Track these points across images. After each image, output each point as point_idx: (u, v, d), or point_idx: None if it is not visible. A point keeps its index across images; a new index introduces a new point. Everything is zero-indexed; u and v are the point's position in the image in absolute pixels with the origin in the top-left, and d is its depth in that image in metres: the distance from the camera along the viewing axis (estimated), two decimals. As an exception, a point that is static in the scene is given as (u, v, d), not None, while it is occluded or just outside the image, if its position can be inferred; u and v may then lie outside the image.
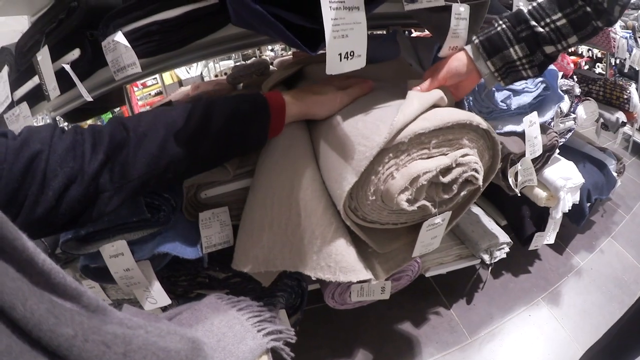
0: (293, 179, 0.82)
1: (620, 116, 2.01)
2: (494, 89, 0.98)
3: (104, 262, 0.84)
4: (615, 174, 1.92)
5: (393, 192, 0.72)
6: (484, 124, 0.77)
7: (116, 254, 0.84)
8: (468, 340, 1.42)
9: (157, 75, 3.56)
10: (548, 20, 0.76)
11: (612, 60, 3.11)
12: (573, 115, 1.54)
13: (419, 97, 0.77)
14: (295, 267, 0.82)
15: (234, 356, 0.63)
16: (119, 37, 0.77)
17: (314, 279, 0.82)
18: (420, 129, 0.69)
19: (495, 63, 0.80)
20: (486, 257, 1.34)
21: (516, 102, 1.04)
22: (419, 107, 0.73)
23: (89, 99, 0.89)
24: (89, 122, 2.99)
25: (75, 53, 0.89)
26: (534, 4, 0.78)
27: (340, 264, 0.78)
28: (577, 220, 1.75)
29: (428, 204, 0.77)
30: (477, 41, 0.81)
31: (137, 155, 0.63)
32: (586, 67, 3.51)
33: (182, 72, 3.81)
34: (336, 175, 0.76)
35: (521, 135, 1.06)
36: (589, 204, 1.73)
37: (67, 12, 0.88)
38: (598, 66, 3.47)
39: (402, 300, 1.48)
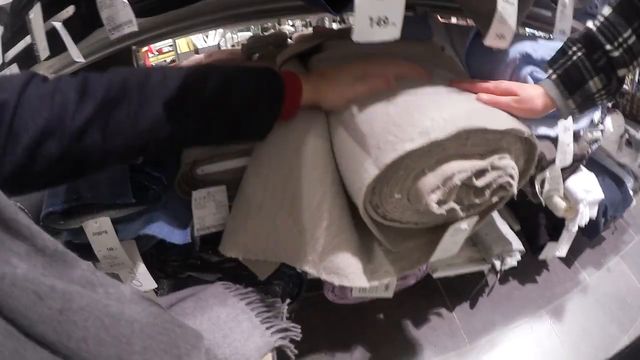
0: (292, 162, 0.73)
1: (646, 133, 1.91)
2: (531, 83, 0.88)
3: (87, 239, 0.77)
4: (631, 193, 1.84)
5: (423, 191, 0.64)
6: (526, 130, 0.69)
7: (99, 231, 0.77)
8: (467, 346, 1.37)
9: (172, 43, 3.43)
10: (620, 40, 0.67)
11: (637, 76, 3.00)
12: (601, 127, 1.45)
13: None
14: (278, 257, 0.76)
15: (239, 354, 0.58)
16: None
17: (299, 271, 0.74)
18: (462, 127, 0.60)
19: (576, 100, 0.71)
20: (497, 263, 1.27)
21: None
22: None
23: (80, 59, 0.80)
24: None
25: (70, 10, 0.80)
26: (601, 19, 0.69)
27: (324, 262, 0.72)
28: (591, 235, 1.68)
29: (457, 207, 0.68)
30: (555, 76, 0.72)
31: (138, 116, 0.53)
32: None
33: (200, 41, 3.64)
34: (355, 166, 0.67)
35: (553, 140, 0.97)
36: (603, 220, 1.65)
37: None
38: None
39: (404, 298, 1.41)
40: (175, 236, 0.82)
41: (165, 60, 3.62)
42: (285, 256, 0.76)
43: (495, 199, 0.73)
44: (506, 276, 1.63)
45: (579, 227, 1.48)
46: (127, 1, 0.68)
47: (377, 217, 0.72)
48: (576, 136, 1.06)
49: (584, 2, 1.38)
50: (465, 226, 0.74)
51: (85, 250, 0.78)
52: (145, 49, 3.25)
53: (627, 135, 1.86)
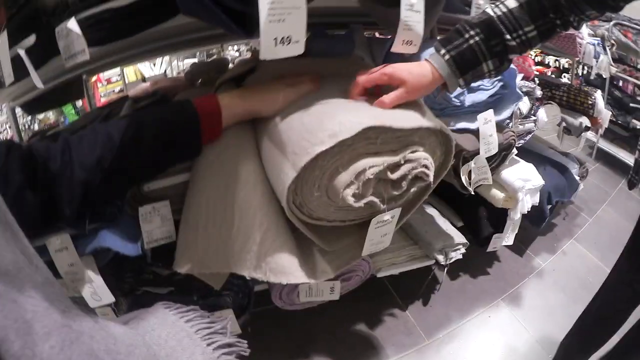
0: (228, 179, 0.83)
1: (584, 121, 2.08)
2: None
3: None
4: (577, 178, 1.98)
5: (338, 187, 0.73)
6: (434, 125, 0.78)
7: (61, 247, 0.85)
8: (425, 342, 1.44)
9: (120, 72, 3.56)
10: (520, 32, 0.77)
11: (579, 70, 3.23)
12: (533, 118, 1.59)
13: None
14: (229, 267, 0.83)
15: None
16: (72, 23, 0.78)
17: (248, 278, 0.82)
18: (366, 125, 0.70)
19: (467, 79, 0.81)
20: (441, 258, 1.36)
21: (470, 99, 1.06)
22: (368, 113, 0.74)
23: (40, 85, 0.89)
24: (50, 114, 2.97)
25: (32, 39, 0.90)
26: (504, 10, 0.78)
27: (270, 264, 0.80)
28: (537, 222, 1.81)
29: (376, 200, 0.78)
30: (448, 57, 0.79)
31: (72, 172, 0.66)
32: (553, 75, 3.61)
33: (146, 70, 3.85)
34: (278, 171, 0.76)
35: (475, 132, 1.08)
36: (549, 206, 1.78)
37: None
38: (564, 76, 3.59)
39: (355, 301, 1.49)
40: (128, 249, 0.91)
41: (113, 90, 3.76)
42: (234, 265, 0.83)
43: (413, 190, 0.82)
44: (456, 272, 1.73)
45: (525, 216, 1.61)
46: (80, 33, 0.77)
47: (304, 216, 0.81)
48: (499, 126, 1.17)
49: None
50: (388, 217, 0.84)
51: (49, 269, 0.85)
52: (94, 78, 3.38)
53: (564, 124, 2.02)
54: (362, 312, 1.53)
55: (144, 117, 0.72)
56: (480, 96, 1.09)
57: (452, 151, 0.88)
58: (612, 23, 2.71)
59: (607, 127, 2.25)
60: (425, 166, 0.80)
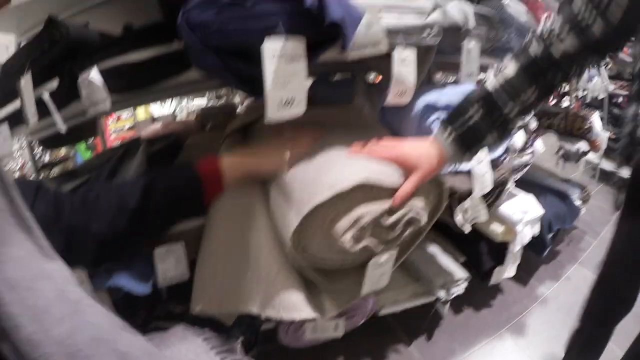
0: (242, 226, 0.92)
1: (582, 146, 2.16)
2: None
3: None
4: (579, 202, 2.05)
5: (337, 233, 0.81)
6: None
7: (78, 282, 0.92)
8: (431, 377, 1.49)
9: (131, 110, 3.74)
10: (519, 100, 0.81)
11: (580, 92, 3.32)
12: (530, 150, 1.65)
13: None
14: (245, 307, 0.91)
15: None
16: (94, 74, 0.88)
17: (262, 318, 0.89)
18: (360, 181, 0.79)
19: (473, 152, 0.86)
20: (442, 294, 1.41)
21: (463, 142, 1.13)
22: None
23: (63, 129, 0.99)
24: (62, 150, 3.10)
25: (54, 83, 0.99)
26: (501, 80, 0.82)
27: (283, 303, 0.87)
28: (539, 251, 1.86)
29: (372, 243, 0.86)
30: (452, 137, 0.84)
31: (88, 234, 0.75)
32: (554, 101, 3.69)
33: (156, 109, 4.08)
34: (283, 219, 0.85)
35: (468, 173, 1.16)
36: (550, 235, 1.84)
37: (50, 43, 0.97)
38: (565, 99, 3.66)
39: (360, 338, 1.54)
40: (139, 288, 0.99)
41: (123, 127, 3.93)
42: (249, 305, 0.91)
43: (408, 232, 0.90)
44: (459, 306, 1.79)
45: (527, 246, 1.67)
46: (102, 83, 0.87)
47: (308, 259, 0.90)
48: (493, 163, 1.25)
49: (496, 40, 1.60)
50: (384, 259, 0.91)
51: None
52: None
53: (562, 151, 2.10)
54: (366, 349, 1.58)
55: (153, 182, 0.80)
56: (473, 137, 1.16)
57: (444, 194, 0.97)
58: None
59: (608, 146, 2.30)
60: (418, 211, 0.88)
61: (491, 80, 0.83)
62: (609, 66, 2.96)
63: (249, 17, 0.77)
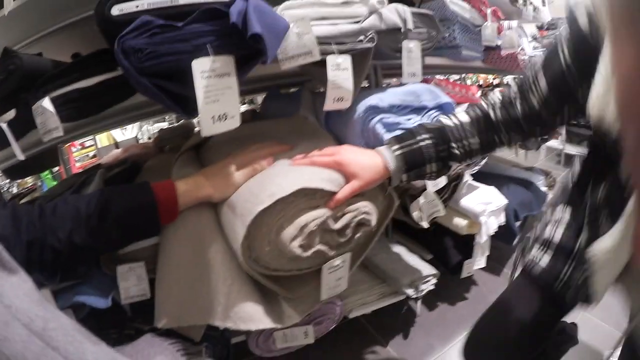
0: (193, 242, 0.93)
1: (540, 135, 2.21)
2: (382, 131, 1.10)
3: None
4: (545, 189, 2.10)
5: (285, 240, 0.83)
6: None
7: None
8: (410, 375, 1.50)
9: (93, 137, 3.77)
10: (465, 142, 0.90)
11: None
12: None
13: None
14: (203, 320, 0.92)
15: None
16: (46, 102, 0.90)
17: (221, 328, 0.91)
18: (300, 186, 0.81)
19: (410, 176, 0.92)
20: (410, 292, 1.43)
21: (410, 140, 1.17)
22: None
23: (22, 157, 1.03)
24: (28, 178, 3.12)
25: (11, 113, 1.02)
26: (455, 121, 0.92)
27: (238, 314, 0.89)
28: (508, 240, 1.90)
29: (324, 248, 0.88)
30: (399, 153, 0.90)
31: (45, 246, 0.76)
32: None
33: (118, 134, 4.14)
34: (231, 231, 0.87)
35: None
36: (518, 223, 1.88)
37: (6, 74, 0.99)
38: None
39: (335, 343, 1.56)
40: (99, 302, 1.01)
41: (87, 155, 3.96)
42: (207, 317, 0.92)
43: (359, 235, 0.92)
44: (433, 302, 1.81)
45: (495, 236, 1.70)
46: (54, 111, 0.90)
47: (261, 269, 0.92)
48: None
49: (439, 39, 1.65)
50: (339, 262, 0.94)
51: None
52: (68, 144, 3.58)
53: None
54: (342, 353, 1.60)
55: (109, 201, 0.81)
56: (420, 135, 1.20)
57: (394, 195, 0.99)
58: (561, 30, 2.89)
59: (571, 130, 2.36)
60: (367, 213, 0.91)
61: (445, 118, 0.93)
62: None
63: (178, 38, 0.80)
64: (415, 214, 1.19)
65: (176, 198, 0.87)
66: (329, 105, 0.98)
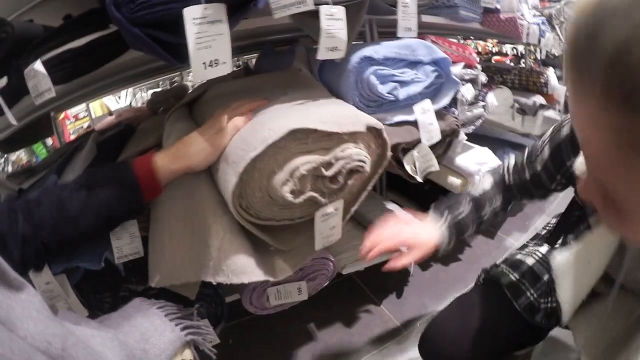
0: (184, 197, 0.94)
1: (538, 99, 2.22)
2: (376, 82, 1.10)
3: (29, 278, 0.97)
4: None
5: (276, 185, 0.83)
6: (355, 129, 0.90)
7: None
8: (403, 332, 1.52)
9: (87, 108, 3.75)
10: (492, 204, 1.01)
11: (538, 54, 3.39)
12: (482, 103, 1.70)
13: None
14: (196, 276, 0.93)
15: (156, 347, 0.76)
16: (38, 65, 0.89)
17: (214, 283, 0.92)
18: (291, 127, 0.81)
19: (453, 241, 0.99)
20: (404, 249, 1.44)
21: (405, 92, 1.16)
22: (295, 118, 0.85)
23: (14, 122, 1.01)
24: (22, 155, 3.11)
25: (3, 81, 1.01)
26: (481, 191, 1.02)
27: (231, 267, 0.90)
28: (503, 204, 1.91)
29: (316, 194, 0.88)
30: (449, 222, 0.98)
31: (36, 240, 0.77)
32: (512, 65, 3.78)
33: (112, 103, 4.07)
34: (223, 181, 0.87)
35: (414, 123, 1.19)
36: (513, 187, 1.89)
37: None
38: (523, 62, 3.75)
39: (329, 301, 1.58)
40: (92, 264, 1.02)
41: (82, 126, 3.96)
42: (200, 273, 0.93)
43: (352, 182, 0.93)
44: (427, 262, 1.83)
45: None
46: (46, 73, 0.89)
47: (252, 218, 0.92)
48: (440, 114, 1.28)
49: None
50: (331, 210, 0.94)
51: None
52: (62, 116, 3.56)
53: (517, 105, 2.16)
54: (337, 312, 1.62)
55: (90, 188, 0.81)
56: (415, 88, 1.19)
57: (386, 142, 0.99)
58: (562, 2, 2.87)
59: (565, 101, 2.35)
60: (359, 160, 0.91)
61: (475, 189, 1.04)
62: (564, 25, 3.02)
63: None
64: (408, 168, 1.20)
65: (155, 173, 0.86)
66: (323, 54, 0.97)
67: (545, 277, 1.02)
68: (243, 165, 0.81)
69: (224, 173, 0.88)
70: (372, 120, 0.95)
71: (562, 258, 0.83)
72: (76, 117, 3.90)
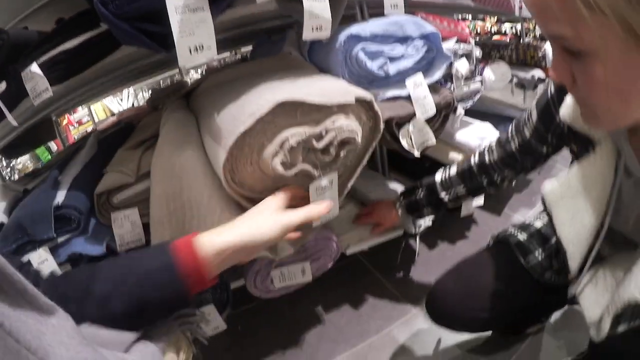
0: (181, 178, 0.95)
1: (536, 73, 2.19)
2: (364, 58, 1.11)
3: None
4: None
5: (266, 158, 0.85)
6: (344, 100, 0.90)
7: (42, 260, 1.00)
8: (412, 311, 1.52)
9: (89, 112, 3.83)
10: (453, 191, 1.22)
11: (537, 32, 3.36)
12: (479, 78, 1.70)
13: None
14: None
15: (152, 339, 0.71)
16: (34, 67, 0.94)
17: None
18: (279, 100, 0.82)
19: (414, 216, 1.36)
20: (410, 227, 1.45)
21: (395, 68, 1.17)
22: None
23: (15, 123, 1.06)
24: (28, 162, 3.16)
25: (2, 86, 1.05)
26: (446, 176, 1.23)
27: None
28: (508, 179, 1.90)
29: (308, 167, 0.90)
30: (402, 202, 1.33)
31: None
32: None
33: (115, 106, 4.18)
34: (215, 157, 0.89)
35: (408, 98, 1.19)
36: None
37: None
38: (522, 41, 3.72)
39: (335, 283, 1.59)
40: (94, 250, 1.05)
41: (86, 130, 4.03)
42: None
43: (344, 153, 0.94)
44: (433, 240, 1.83)
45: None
46: (42, 74, 0.94)
47: (247, 192, 0.94)
48: (434, 88, 1.28)
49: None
50: (326, 183, 0.95)
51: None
52: (65, 122, 3.63)
53: (516, 80, 2.14)
54: (345, 293, 1.62)
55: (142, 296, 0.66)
56: (405, 63, 1.19)
57: (378, 114, 1.00)
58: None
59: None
60: (351, 131, 0.92)
61: (439, 174, 1.25)
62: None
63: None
64: (404, 142, 1.20)
65: (203, 270, 0.69)
66: (308, 34, 0.98)
67: (554, 240, 1.04)
68: (232, 140, 0.82)
69: (214, 149, 0.90)
70: (362, 92, 0.95)
71: (551, 185, 0.85)
72: (79, 122, 3.98)
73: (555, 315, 1.35)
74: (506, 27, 3.94)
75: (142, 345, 0.64)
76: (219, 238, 0.71)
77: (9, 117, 1.03)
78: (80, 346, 0.46)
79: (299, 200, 0.92)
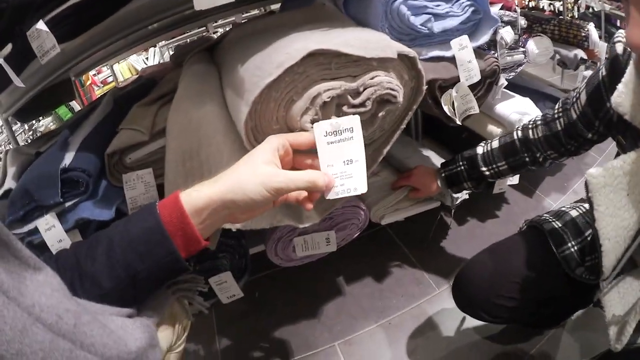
0: (199, 134, 0.84)
1: (579, 53, 2.00)
2: (407, 12, 0.95)
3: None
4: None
5: (295, 115, 0.71)
6: (384, 54, 0.75)
7: (49, 226, 0.91)
8: (436, 291, 1.40)
9: (113, 72, 3.73)
10: (494, 166, 1.11)
11: (575, 12, 3.13)
12: (522, 49, 1.53)
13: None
14: None
15: (147, 307, 0.63)
16: (40, 24, 0.84)
17: (234, 230, 0.82)
18: (311, 49, 0.68)
19: (453, 190, 1.23)
20: (447, 199, 1.32)
21: (440, 26, 1.01)
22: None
23: (20, 85, 0.97)
24: (51, 123, 3.09)
25: (8, 48, 0.97)
26: (487, 148, 1.13)
27: None
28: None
29: None
30: (444, 174, 1.21)
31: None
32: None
33: (140, 64, 4.02)
34: (237, 112, 0.76)
35: (452, 60, 1.04)
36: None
37: None
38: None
39: (359, 254, 1.49)
40: (103, 215, 0.94)
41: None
42: None
43: (382, 114, 0.79)
44: (463, 216, 1.69)
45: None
46: (48, 30, 0.83)
47: None
48: (479, 53, 1.13)
49: None
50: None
51: (43, 249, 0.92)
52: (89, 82, 3.55)
53: (558, 57, 1.95)
54: (368, 266, 1.51)
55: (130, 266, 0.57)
56: (451, 22, 1.03)
57: (421, 73, 0.85)
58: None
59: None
60: (391, 88, 0.77)
61: (481, 146, 1.15)
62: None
63: None
64: (446, 108, 1.05)
65: (194, 233, 0.58)
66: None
67: (588, 233, 0.97)
68: (256, 92, 0.68)
69: (236, 103, 0.77)
70: (404, 48, 0.80)
71: (596, 171, 0.72)
72: (104, 82, 3.94)
73: (577, 314, 1.25)
74: (544, 3, 3.68)
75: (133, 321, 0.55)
76: (197, 193, 0.59)
77: (14, 78, 0.94)
78: (63, 298, 0.43)
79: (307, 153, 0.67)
